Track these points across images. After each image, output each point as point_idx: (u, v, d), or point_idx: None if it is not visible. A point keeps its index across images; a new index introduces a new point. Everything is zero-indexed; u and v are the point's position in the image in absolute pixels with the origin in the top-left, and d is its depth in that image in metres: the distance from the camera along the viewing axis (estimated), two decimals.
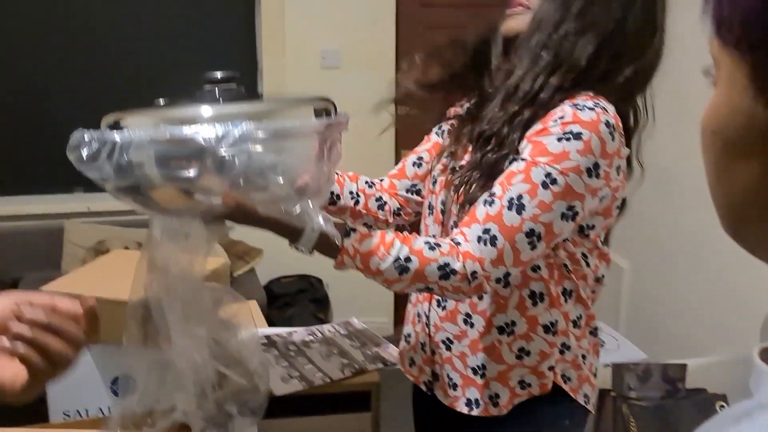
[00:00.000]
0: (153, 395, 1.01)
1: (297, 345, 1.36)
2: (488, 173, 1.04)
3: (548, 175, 0.99)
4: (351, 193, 1.22)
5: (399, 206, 1.26)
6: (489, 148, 1.06)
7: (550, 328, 1.11)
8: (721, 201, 0.46)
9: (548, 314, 1.10)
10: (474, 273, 0.97)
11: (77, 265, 2.74)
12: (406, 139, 3.32)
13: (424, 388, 1.19)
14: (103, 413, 1.18)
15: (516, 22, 1.08)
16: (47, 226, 2.87)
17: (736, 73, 0.42)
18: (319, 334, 1.41)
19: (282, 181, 0.85)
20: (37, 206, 2.95)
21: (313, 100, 0.94)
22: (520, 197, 0.98)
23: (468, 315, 1.11)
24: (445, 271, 0.96)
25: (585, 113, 1.00)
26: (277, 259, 3.14)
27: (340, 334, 1.42)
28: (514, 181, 1.00)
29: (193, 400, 0.97)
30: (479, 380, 1.12)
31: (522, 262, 1.00)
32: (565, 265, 1.10)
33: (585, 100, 1.03)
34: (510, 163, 1.03)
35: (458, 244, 0.99)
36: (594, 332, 1.19)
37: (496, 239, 0.98)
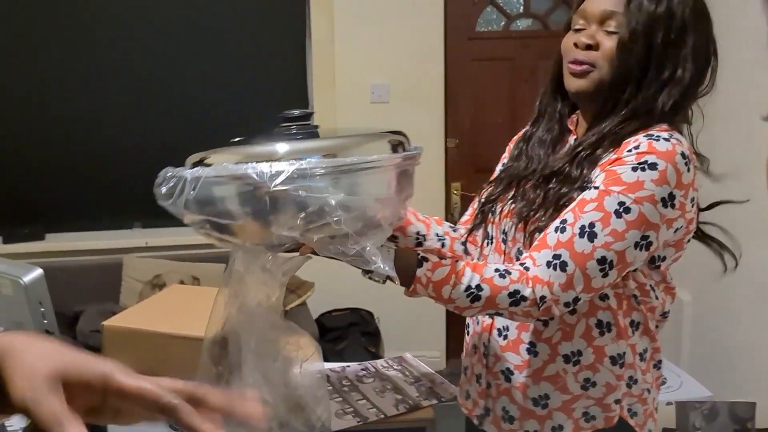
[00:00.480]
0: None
1: (350, 380, 1.35)
2: (555, 206, 1.05)
3: (621, 203, 0.98)
4: (437, 235, 1.24)
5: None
6: (551, 185, 1.07)
7: (617, 360, 1.08)
8: None
9: (615, 345, 1.08)
10: (543, 297, 0.97)
11: (135, 298, 2.81)
12: (455, 171, 3.33)
13: (476, 422, 1.17)
14: None
15: (583, 83, 1.07)
16: (107, 261, 2.96)
17: None
18: (373, 369, 1.40)
19: (345, 219, 0.85)
20: (98, 242, 3.05)
21: (387, 133, 0.95)
22: (592, 225, 0.98)
23: (532, 344, 1.09)
24: (516, 298, 0.98)
25: (660, 144, 1.00)
26: (329, 292, 3.15)
27: (393, 369, 1.41)
28: (586, 209, 0.99)
29: None
30: (540, 411, 1.10)
31: (593, 289, 1.00)
32: (635, 296, 1.09)
33: (660, 131, 1.03)
34: (582, 191, 1.03)
35: (527, 269, 0.99)
36: (658, 366, 1.16)
37: (567, 265, 0.98)
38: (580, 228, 0.98)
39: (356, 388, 1.31)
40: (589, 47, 1.06)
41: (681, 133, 1.07)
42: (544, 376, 1.09)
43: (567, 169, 1.06)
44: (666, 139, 1.01)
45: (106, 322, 1.19)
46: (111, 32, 3.01)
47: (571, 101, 1.16)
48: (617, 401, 1.09)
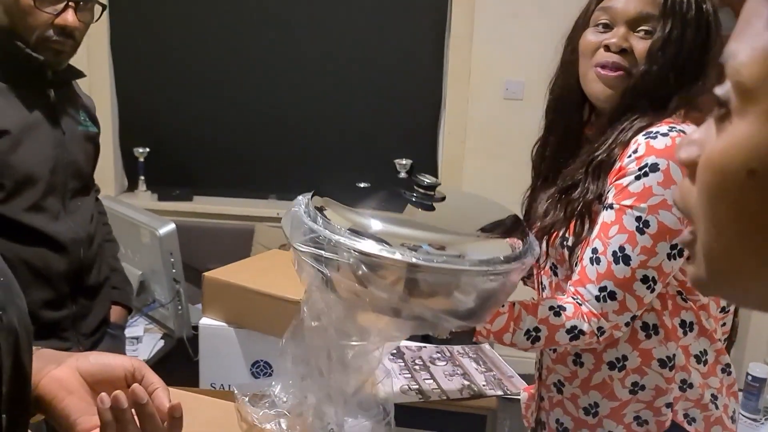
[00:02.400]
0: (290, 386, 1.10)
1: (423, 360, 1.41)
2: (580, 219, 1.04)
3: (639, 218, 0.97)
4: None
5: None
6: (569, 197, 1.06)
7: (666, 363, 1.06)
8: (728, 245, 0.39)
9: (664, 347, 1.06)
10: (600, 328, 1.00)
11: None
12: None
13: None
14: None
15: (615, 91, 1.04)
16: (242, 226, 3.21)
17: None
18: (447, 353, 1.45)
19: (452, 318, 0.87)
20: (236, 208, 3.31)
21: (508, 231, 0.95)
22: (622, 249, 0.98)
23: (577, 354, 1.10)
24: (574, 333, 1.00)
25: (658, 141, 0.97)
26: None
27: (468, 357, 1.44)
28: (611, 233, 0.99)
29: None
30: (592, 420, 1.09)
31: (644, 304, 1.00)
32: (680, 294, 1.05)
33: (660, 126, 1.00)
34: (602, 209, 1.02)
35: (580, 304, 1.01)
36: (726, 370, 1.11)
37: (615, 294, 0.99)
38: (612, 255, 0.98)
39: (427, 368, 1.37)
40: (623, 51, 1.02)
41: (697, 124, 1.01)
42: (591, 385, 1.09)
43: (585, 180, 1.04)
44: (664, 134, 0.97)
45: (206, 273, 1.33)
46: (266, 26, 3.24)
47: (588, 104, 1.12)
48: (668, 405, 1.07)
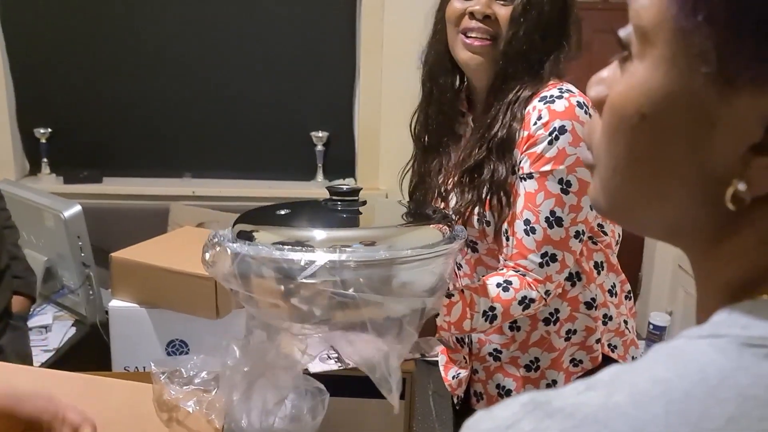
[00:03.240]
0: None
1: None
2: (497, 197, 1.07)
3: (561, 180, 1.01)
4: None
5: None
6: (480, 179, 1.08)
7: (591, 304, 1.13)
8: (622, 181, 0.42)
9: (587, 291, 1.13)
10: (548, 291, 1.04)
11: None
12: None
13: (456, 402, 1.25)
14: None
15: (484, 59, 1.07)
16: (156, 206, 3.11)
17: (684, 51, 0.37)
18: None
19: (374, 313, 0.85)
20: (149, 188, 3.21)
21: (433, 218, 0.96)
22: (553, 213, 1.02)
23: (513, 320, 1.13)
24: (525, 303, 1.03)
25: (557, 104, 1.02)
26: None
27: None
28: (538, 201, 1.03)
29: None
30: (534, 374, 1.15)
31: (576, 255, 1.06)
32: (590, 239, 1.12)
33: (550, 89, 1.04)
34: (520, 180, 1.05)
35: (524, 275, 1.04)
36: (629, 296, 1.21)
37: (556, 255, 1.03)
38: (545, 221, 1.02)
39: (344, 337, 1.38)
40: (486, 17, 1.05)
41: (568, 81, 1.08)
42: (530, 343, 1.14)
43: (489, 160, 1.07)
44: (559, 97, 1.02)
45: (114, 254, 1.28)
46: (183, 8, 3.12)
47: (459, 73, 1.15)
48: (598, 340, 1.14)
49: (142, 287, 1.26)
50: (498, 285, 1.03)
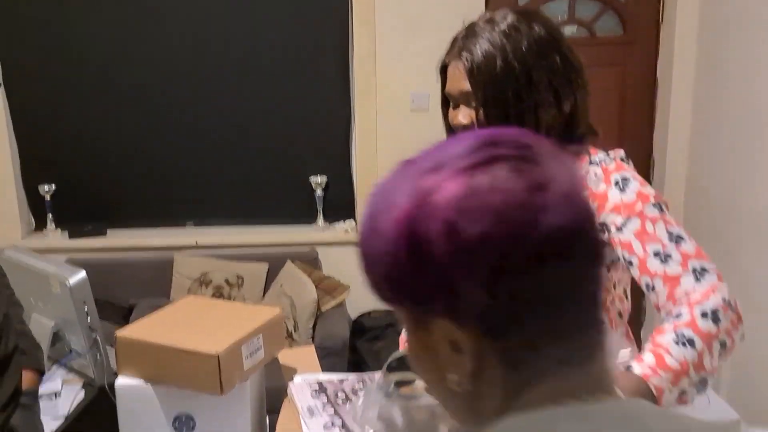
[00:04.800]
0: None
1: (346, 393, 1.44)
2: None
3: (655, 205, 1.06)
4: None
5: None
6: None
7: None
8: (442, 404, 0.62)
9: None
10: (723, 298, 0.97)
11: (184, 293, 2.99)
12: None
13: None
14: None
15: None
16: (160, 257, 3.16)
17: (404, 317, 0.57)
18: (369, 382, 1.49)
19: None
20: (152, 239, 3.25)
21: None
22: (669, 232, 1.03)
23: None
24: (711, 314, 0.95)
25: (602, 164, 1.12)
26: (368, 294, 3.25)
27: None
28: (650, 231, 1.03)
29: None
30: None
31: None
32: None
33: (592, 156, 1.14)
34: (617, 235, 1.06)
35: (687, 302, 0.98)
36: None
37: (705, 268, 1.00)
38: (671, 241, 1.02)
39: (350, 400, 1.40)
40: (465, 127, 1.13)
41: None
42: None
43: None
44: (595, 162, 1.13)
45: (118, 333, 1.32)
46: (171, 52, 3.18)
47: None
48: None
49: (147, 364, 1.29)
50: (675, 329, 0.94)
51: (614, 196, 1.07)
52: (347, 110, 3.24)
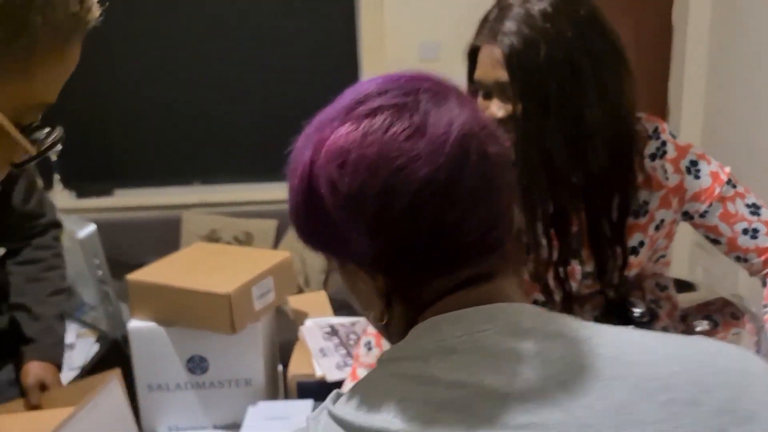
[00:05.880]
0: None
1: (358, 334, 1.44)
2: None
3: (728, 182, 1.07)
4: None
5: None
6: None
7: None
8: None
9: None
10: None
11: None
12: None
13: None
14: (180, 387, 1.32)
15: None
16: (168, 216, 3.15)
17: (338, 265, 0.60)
18: None
19: None
20: (160, 198, 3.24)
21: None
22: (750, 206, 1.07)
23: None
24: None
25: (668, 154, 1.09)
26: None
27: None
28: (733, 210, 1.07)
29: None
30: None
31: None
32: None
33: (647, 147, 1.08)
34: (703, 219, 1.09)
35: None
36: None
37: None
38: (752, 215, 1.07)
39: None
40: (501, 122, 0.99)
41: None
42: None
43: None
44: (660, 149, 1.09)
45: (129, 276, 1.31)
46: (180, 11, 3.14)
47: None
48: None
49: (159, 307, 1.29)
50: None
51: (691, 184, 1.07)
52: (354, 62, 3.19)
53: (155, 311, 1.30)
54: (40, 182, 1.52)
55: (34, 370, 1.33)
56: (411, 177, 0.52)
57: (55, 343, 1.42)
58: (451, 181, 0.53)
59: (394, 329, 0.59)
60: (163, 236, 3.10)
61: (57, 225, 1.52)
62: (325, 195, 0.54)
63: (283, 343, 1.51)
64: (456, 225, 0.54)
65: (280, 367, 1.48)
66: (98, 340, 2.07)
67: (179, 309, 1.28)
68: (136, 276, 1.31)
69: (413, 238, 0.53)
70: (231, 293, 1.22)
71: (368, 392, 0.54)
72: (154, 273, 1.33)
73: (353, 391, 0.56)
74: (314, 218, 0.56)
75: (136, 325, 1.31)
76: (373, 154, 0.53)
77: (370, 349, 1.15)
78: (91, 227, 1.95)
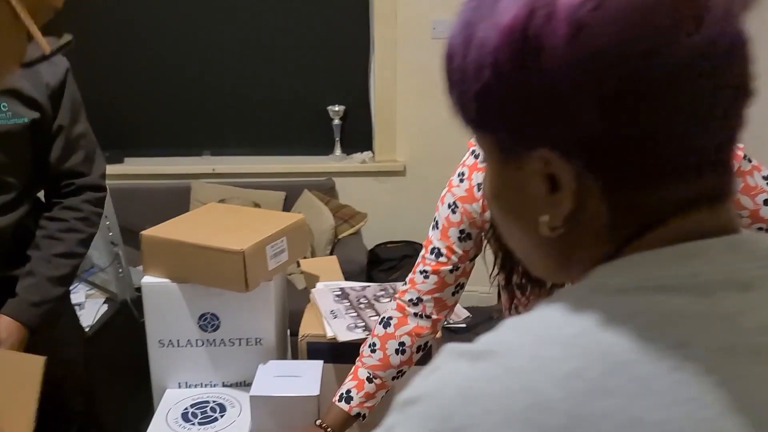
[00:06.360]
0: None
1: (368, 298, 1.44)
2: None
3: (744, 156, 1.03)
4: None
5: None
6: None
7: None
8: (519, 256, 0.54)
9: None
10: None
11: None
12: None
13: None
14: (191, 344, 1.33)
15: None
16: (177, 185, 3.16)
17: (489, 147, 0.49)
18: (391, 290, 1.49)
19: None
20: (170, 167, 3.25)
21: None
22: (767, 177, 1.04)
23: None
24: None
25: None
26: (385, 224, 3.25)
27: None
28: (753, 182, 1.03)
29: None
30: None
31: None
32: None
33: None
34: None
35: None
36: None
37: None
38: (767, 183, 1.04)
39: (371, 306, 1.41)
40: None
41: None
42: None
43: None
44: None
45: (144, 232, 1.32)
46: None
47: None
48: None
49: (173, 263, 1.30)
50: None
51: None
52: (366, 38, 3.18)
53: (168, 268, 1.31)
54: (92, 139, 1.51)
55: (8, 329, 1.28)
56: (691, 37, 0.40)
57: (36, 305, 1.33)
58: (727, 65, 0.42)
59: (573, 248, 0.48)
60: (171, 205, 3.10)
61: (95, 188, 1.47)
62: (553, 49, 0.41)
63: (291, 313, 1.52)
64: (713, 117, 0.43)
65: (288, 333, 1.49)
66: (107, 301, 2.09)
67: (192, 266, 1.28)
68: (149, 232, 1.31)
69: (665, 120, 0.42)
70: (245, 250, 1.22)
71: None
72: (167, 229, 1.33)
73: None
74: (521, 82, 0.43)
75: (149, 281, 1.32)
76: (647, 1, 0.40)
77: (374, 351, 1.14)
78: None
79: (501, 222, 0.53)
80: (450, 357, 0.43)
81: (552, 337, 0.40)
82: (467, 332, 2.55)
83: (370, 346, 1.16)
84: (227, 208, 1.53)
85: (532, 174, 0.46)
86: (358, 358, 1.18)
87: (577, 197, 0.45)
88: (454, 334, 2.52)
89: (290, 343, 1.51)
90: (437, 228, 1.11)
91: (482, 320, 2.75)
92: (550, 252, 0.50)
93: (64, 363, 1.42)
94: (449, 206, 1.08)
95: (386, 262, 3.25)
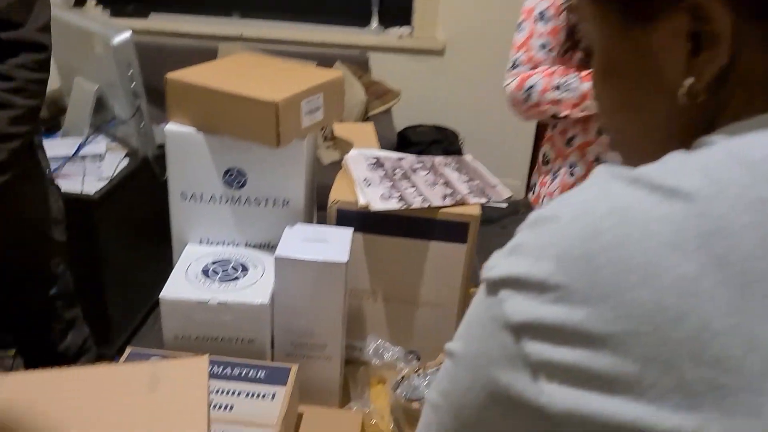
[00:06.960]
0: None
1: (404, 169, 1.35)
2: None
3: None
4: None
5: None
6: None
7: None
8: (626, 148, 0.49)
9: None
10: None
11: None
12: None
13: None
14: (215, 200, 1.26)
15: None
16: (203, 45, 3.02)
17: (607, 16, 0.44)
18: (429, 163, 1.39)
19: None
20: (197, 26, 3.09)
21: None
22: None
23: None
24: None
25: None
26: (416, 107, 3.12)
27: (450, 166, 1.39)
28: None
29: None
30: None
31: None
32: None
33: None
34: None
35: None
36: None
37: None
38: None
39: (407, 177, 1.32)
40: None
41: None
42: None
43: None
44: None
45: (169, 75, 1.21)
46: None
47: None
48: None
49: (199, 111, 1.20)
50: None
51: None
52: None
53: (194, 115, 1.21)
54: None
55: None
56: None
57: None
58: None
59: (708, 114, 0.42)
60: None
61: (33, 46, 1.19)
62: None
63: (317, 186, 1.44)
64: None
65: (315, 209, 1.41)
66: (128, 155, 2.02)
67: (221, 115, 1.18)
68: (175, 76, 1.21)
69: None
70: (279, 102, 1.12)
71: None
72: (195, 74, 1.22)
73: None
74: None
75: (173, 128, 1.22)
76: None
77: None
78: (126, 33, 1.84)
79: (612, 107, 0.48)
80: (601, 178, 0.37)
81: (733, 161, 0.35)
82: (493, 224, 2.48)
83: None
84: (260, 58, 1.41)
85: (672, 35, 0.41)
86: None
87: (732, 49, 0.39)
88: (482, 226, 2.45)
89: (317, 217, 1.43)
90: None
91: (509, 212, 2.67)
92: (674, 131, 0.44)
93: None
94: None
95: (415, 146, 3.15)
